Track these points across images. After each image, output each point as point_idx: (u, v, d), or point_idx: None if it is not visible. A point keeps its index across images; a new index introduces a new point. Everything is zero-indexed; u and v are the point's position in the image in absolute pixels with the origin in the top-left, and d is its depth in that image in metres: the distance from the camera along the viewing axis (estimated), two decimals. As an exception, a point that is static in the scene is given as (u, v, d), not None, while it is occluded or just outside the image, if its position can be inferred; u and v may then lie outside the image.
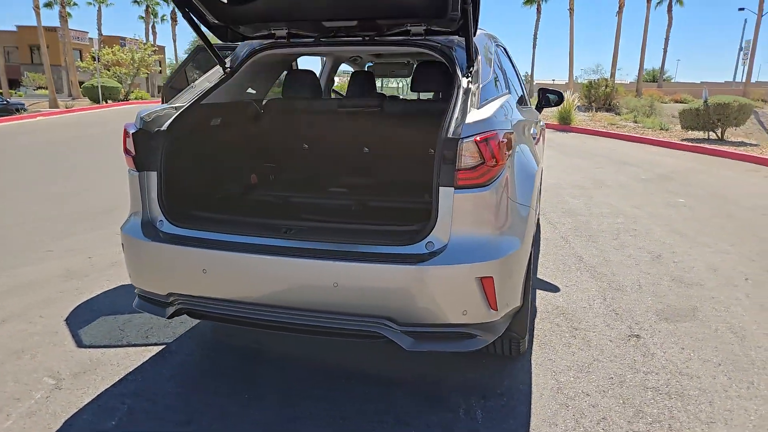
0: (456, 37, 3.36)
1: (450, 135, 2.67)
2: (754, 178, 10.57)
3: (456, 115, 2.75)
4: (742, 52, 40.81)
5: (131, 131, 3.09)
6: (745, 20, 65.83)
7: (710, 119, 16.28)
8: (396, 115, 4.28)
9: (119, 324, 3.83)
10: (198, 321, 3.82)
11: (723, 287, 4.66)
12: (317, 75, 4.47)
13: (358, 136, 4.38)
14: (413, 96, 6.95)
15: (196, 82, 3.79)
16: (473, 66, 3.15)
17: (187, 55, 13.18)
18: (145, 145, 3.03)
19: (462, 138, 2.64)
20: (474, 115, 2.71)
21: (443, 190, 2.72)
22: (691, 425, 2.75)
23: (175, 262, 2.88)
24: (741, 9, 41.50)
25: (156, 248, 2.91)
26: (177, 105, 3.35)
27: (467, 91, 2.92)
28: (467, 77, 3.06)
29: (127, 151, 3.13)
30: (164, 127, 3.10)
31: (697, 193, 8.95)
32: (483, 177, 2.70)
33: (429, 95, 5.95)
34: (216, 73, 3.83)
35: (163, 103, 4.09)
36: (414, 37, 3.37)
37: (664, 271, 5.06)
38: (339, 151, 4.48)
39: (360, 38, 3.54)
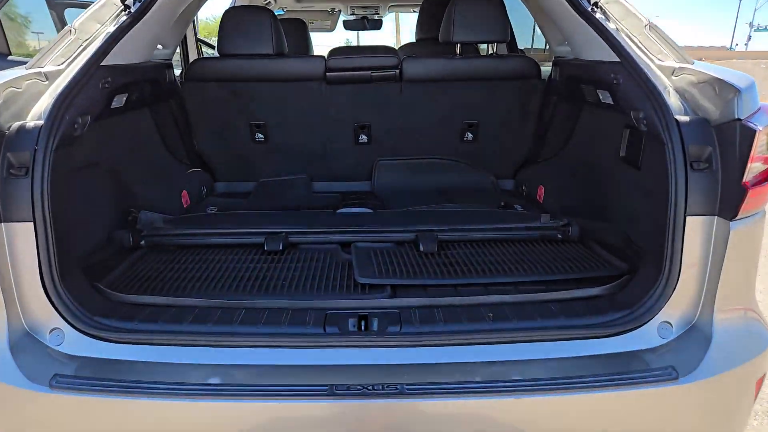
0: None
1: (731, 117, 1.37)
2: None
3: (717, 85, 1.45)
4: None
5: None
6: None
7: None
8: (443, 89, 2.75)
9: None
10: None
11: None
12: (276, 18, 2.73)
13: (371, 126, 2.80)
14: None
15: (77, 24, 1.88)
16: None
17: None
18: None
19: (754, 126, 1.35)
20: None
21: (698, 223, 1.42)
22: None
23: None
24: None
25: (50, 404, 1.35)
26: (45, 69, 1.71)
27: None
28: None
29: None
30: (37, 120, 1.52)
31: None
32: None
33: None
34: (104, 8, 1.95)
35: None
36: None
37: None
38: (341, 148, 2.88)
39: None
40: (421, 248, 1.96)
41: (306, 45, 3.66)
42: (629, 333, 1.46)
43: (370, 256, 1.93)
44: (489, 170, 2.96)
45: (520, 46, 4.05)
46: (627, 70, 1.66)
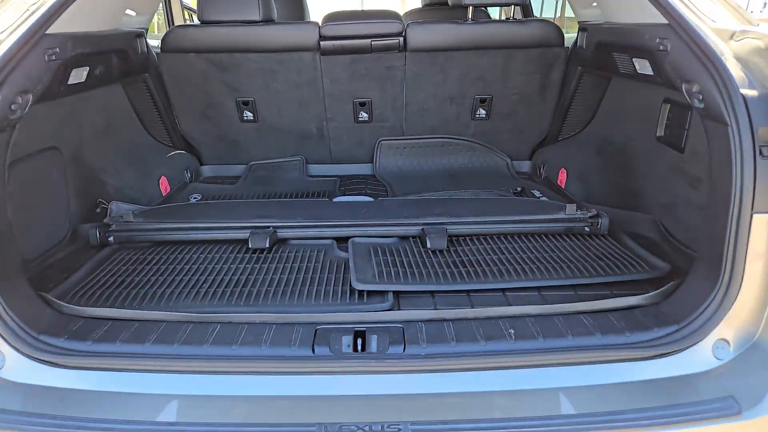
0: None
1: None
2: None
3: None
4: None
5: None
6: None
7: None
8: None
9: None
10: None
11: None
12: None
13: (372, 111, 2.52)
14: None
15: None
16: None
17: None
18: None
19: None
20: None
21: (766, 222, 1.16)
22: None
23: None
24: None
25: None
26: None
27: None
28: None
29: None
30: None
31: None
32: None
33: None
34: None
35: None
36: None
37: None
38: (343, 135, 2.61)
39: None
40: (428, 245, 1.71)
41: (300, 10, 3.32)
42: (678, 354, 1.21)
43: (369, 254, 1.68)
44: (503, 151, 2.69)
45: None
46: (678, 34, 1.37)
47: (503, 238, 1.80)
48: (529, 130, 2.63)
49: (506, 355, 1.20)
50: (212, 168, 2.74)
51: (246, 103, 2.51)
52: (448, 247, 1.72)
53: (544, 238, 1.81)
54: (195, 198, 2.34)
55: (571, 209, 1.84)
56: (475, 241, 1.79)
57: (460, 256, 1.68)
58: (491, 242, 1.78)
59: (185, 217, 1.91)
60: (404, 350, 1.21)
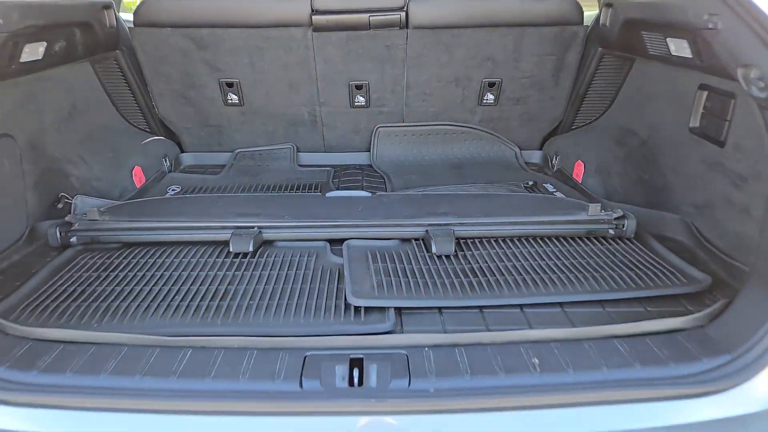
0: None
1: None
2: None
3: None
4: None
5: None
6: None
7: None
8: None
9: None
10: None
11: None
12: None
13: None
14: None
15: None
16: None
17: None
18: None
19: None
20: None
21: None
22: None
23: None
24: None
25: None
26: None
27: None
28: None
29: None
30: None
31: None
32: None
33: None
34: None
35: None
36: None
37: None
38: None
39: None
40: (434, 249, 1.51)
41: None
42: (732, 390, 1.03)
43: (366, 259, 1.48)
44: (511, 140, 2.48)
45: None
46: (733, 10, 1.16)
47: (517, 242, 1.60)
48: (541, 117, 2.42)
49: (531, 393, 1.01)
50: (194, 156, 2.51)
51: (230, 85, 2.27)
52: (455, 251, 1.53)
53: (563, 241, 1.61)
54: (173, 190, 2.13)
55: (594, 210, 1.64)
56: (486, 245, 1.59)
57: (470, 263, 1.49)
58: (504, 246, 1.58)
59: (159, 214, 1.70)
60: (409, 384, 1.02)
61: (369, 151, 2.49)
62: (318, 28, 2.12)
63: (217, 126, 2.43)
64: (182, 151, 2.52)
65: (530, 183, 2.14)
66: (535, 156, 2.52)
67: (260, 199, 1.89)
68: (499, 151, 2.46)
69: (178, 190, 2.14)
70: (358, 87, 2.31)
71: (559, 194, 2.04)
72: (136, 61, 2.20)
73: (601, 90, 2.23)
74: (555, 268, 1.44)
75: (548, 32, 2.14)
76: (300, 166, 2.47)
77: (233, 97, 2.31)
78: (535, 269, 1.44)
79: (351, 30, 2.13)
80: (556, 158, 2.36)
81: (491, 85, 2.30)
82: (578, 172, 2.13)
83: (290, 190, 2.15)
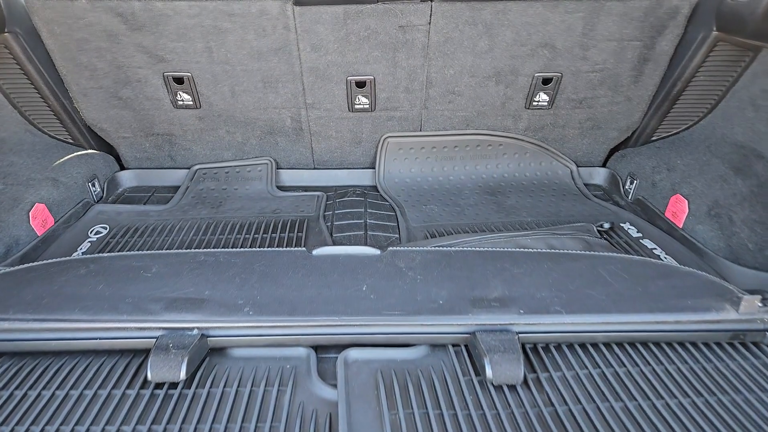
0: None
1: None
2: None
3: None
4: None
5: None
6: None
7: None
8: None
9: None
10: None
11: None
12: None
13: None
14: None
15: None
16: None
17: None
18: None
19: None
20: None
21: None
22: None
23: None
24: None
25: None
26: None
27: None
28: None
29: None
30: None
31: None
32: None
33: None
34: None
35: None
36: None
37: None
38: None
39: None
40: (490, 375, 0.89)
41: None
42: None
43: (376, 391, 0.86)
44: (565, 154, 1.84)
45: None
46: None
47: (619, 352, 0.99)
48: (610, 125, 1.78)
49: None
50: (137, 175, 1.86)
51: (179, 81, 1.62)
52: (525, 376, 0.91)
53: (694, 352, 0.99)
54: (96, 234, 1.49)
55: (749, 305, 1.02)
56: (569, 357, 0.97)
57: (550, 400, 0.87)
58: (600, 361, 0.96)
59: (41, 301, 1.06)
60: None
61: (374, 168, 1.85)
62: (302, 1, 1.45)
63: (166, 135, 1.77)
64: (122, 168, 1.87)
65: (606, 226, 1.51)
66: (597, 176, 1.88)
67: (212, 266, 1.24)
68: (550, 169, 1.83)
69: (104, 233, 1.50)
70: (360, 84, 1.65)
71: (670, 260, 1.39)
72: (41, 48, 1.53)
73: (700, 88, 1.59)
74: (698, 415, 0.82)
75: (636, 7, 1.48)
76: (280, 188, 1.83)
77: (185, 97, 1.65)
78: (661, 415, 0.82)
79: (350, 3, 1.47)
80: (631, 182, 1.73)
81: (546, 81, 1.65)
82: (676, 210, 1.49)
83: (263, 231, 1.52)
